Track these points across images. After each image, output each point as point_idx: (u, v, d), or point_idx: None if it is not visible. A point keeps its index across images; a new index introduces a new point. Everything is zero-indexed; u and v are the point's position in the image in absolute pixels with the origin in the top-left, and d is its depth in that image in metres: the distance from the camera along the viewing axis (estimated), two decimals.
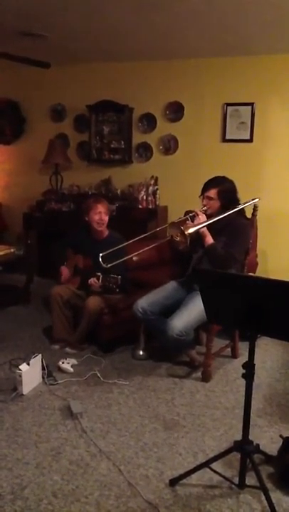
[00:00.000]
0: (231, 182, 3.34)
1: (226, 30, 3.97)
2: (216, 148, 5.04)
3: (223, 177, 3.34)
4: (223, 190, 3.27)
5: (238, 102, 4.87)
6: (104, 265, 3.24)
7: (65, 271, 3.80)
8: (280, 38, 4.13)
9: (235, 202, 3.31)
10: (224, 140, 5.00)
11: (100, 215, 3.67)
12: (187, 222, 3.22)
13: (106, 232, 3.78)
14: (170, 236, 3.19)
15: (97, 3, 3.45)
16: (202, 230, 3.18)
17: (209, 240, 3.21)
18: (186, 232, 3.05)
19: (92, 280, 3.42)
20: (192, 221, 3.22)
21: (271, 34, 4.04)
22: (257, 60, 4.73)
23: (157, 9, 3.53)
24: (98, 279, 3.37)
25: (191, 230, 3.07)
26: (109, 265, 3.25)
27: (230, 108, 4.91)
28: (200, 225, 3.14)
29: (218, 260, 3.18)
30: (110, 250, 3.35)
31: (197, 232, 3.16)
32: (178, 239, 3.13)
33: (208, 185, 3.30)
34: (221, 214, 3.22)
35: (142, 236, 3.43)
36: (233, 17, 3.64)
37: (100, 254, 3.27)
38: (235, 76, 4.85)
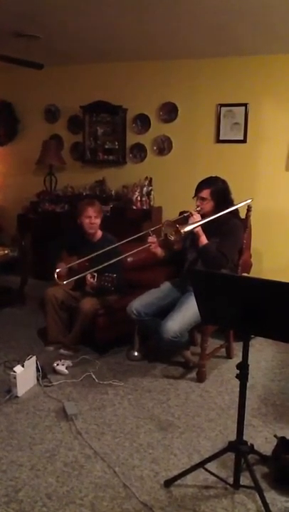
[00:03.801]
0: (224, 182, 3.34)
1: (219, 31, 3.98)
2: (210, 149, 5.05)
3: (216, 177, 3.35)
4: (216, 190, 3.28)
5: (232, 103, 4.88)
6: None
7: (62, 267, 3.79)
8: (273, 38, 4.14)
9: (229, 202, 3.32)
10: (218, 141, 5.01)
11: (90, 219, 3.67)
12: (182, 221, 3.23)
13: (99, 234, 3.79)
14: (164, 235, 3.18)
15: (90, 4, 3.45)
16: (197, 229, 3.19)
17: (203, 240, 3.22)
18: (181, 231, 3.05)
19: (89, 275, 3.40)
20: (187, 221, 3.22)
21: (264, 35, 4.05)
22: (250, 61, 4.74)
23: (151, 10, 3.53)
24: (94, 279, 3.37)
25: (187, 229, 3.07)
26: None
27: (223, 109, 4.93)
28: (195, 224, 3.15)
29: (211, 261, 3.18)
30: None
31: (192, 232, 3.17)
32: (172, 238, 3.14)
33: (201, 186, 3.31)
34: (214, 214, 3.22)
35: (136, 236, 3.42)
36: (227, 18, 3.64)
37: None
38: (228, 77, 4.86)
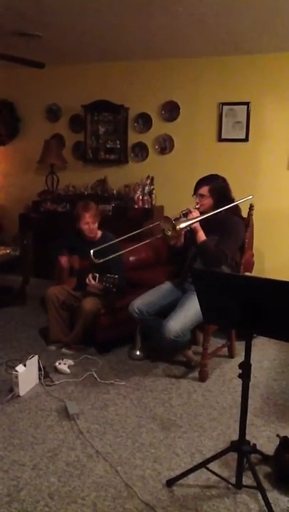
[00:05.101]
0: (223, 179, 3.34)
1: (220, 29, 3.97)
2: (211, 148, 5.04)
3: (216, 175, 3.34)
4: (215, 187, 3.27)
5: (234, 102, 4.88)
6: (95, 260, 3.25)
7: (64, 259, 3.80)
8: (275, 36, 4.13)
9: (228, 199, 3.31)
10: (220, 139, 5.01)
11: (88, 225, 3.67)
12: (180, 218, 3.23)
13: (99, 233, 3.79)
14: (162, 230, 3.19)
15: (92, 3, 3.45)
16: (194, 226, 3.19)
17: (201, 236, 3.21)
18: (177, 227, 3.06)
19: (89, 277, 3.40)
20: (185, 217, 3.22)
21: (265, 33, 4.04)
22: (252, 59, 4.73)
23: (152, 9, 3.53)
24: (95, 279, 3.36)
25: (183, 225, 3.09)
26: (100, 260, 3.26)
27: (225, 107, 4.92)
28: (191, 220, 3.15)
29: (209, 257, 3.17)
30: (102, 246, 3.38)
31: (190, 229, 3.17)
32: (169, 233, 3.15)
33: (200, 183, 3.31)
34: (213, 211, 3.22)
35: (135, 232, 3.42)
36: (228, 16, 3.63)
37: (91, 251, 3.28)
38: (230, 75, 4.85)
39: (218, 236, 3.23)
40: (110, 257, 3.29)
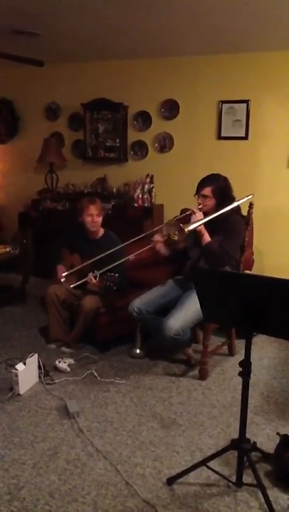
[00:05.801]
0: (225, 179, 3.33)
1: (220, 27, 3.96)
2: (211, 146, 5.03)
3: (218, 174, 3.33)
4: (218, 187, 3.26)
5: (233, 100, 4.86)
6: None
7: (61, 269, 3.79)
8: (274, 34, 4.12)
9: (230, 199, 3.30)
10: (219, 137, 4.99)
11: (92, 217, 3.65)
12: (182, 219, 3.21)
13: (101, 232, 3.78)
14: (167, 235, 3.16)
15: (90, 2, 3.44)
16: (199, 228, 3.17)
17: (207, 238, 3.20)
18: (185, 230, 3.02)
19: (90, 276, 3.39)
20: (189, 219, 3.21)
21: (265, 31, 4.03)
22: (251, 58, 4.72)
23: (151, 7, 3.52)
24: (96, 278, 3.36)
25: (191, 228, 3.05)
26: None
27: (225, 105, 4.90)
28: (198, 222, 3.13)
29: (214, 258, 3.17)
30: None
31: (194, 230, 3.15)
32: (176, 238, 3.11)
33: (202, 184, 3.29)
34: (216, 212, 3.20)
35: (140, 237, 3.41)
36: (227, 14, 3.62)
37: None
38: (229, 73, 4.84)
39: (221, 236, 3.22)
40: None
